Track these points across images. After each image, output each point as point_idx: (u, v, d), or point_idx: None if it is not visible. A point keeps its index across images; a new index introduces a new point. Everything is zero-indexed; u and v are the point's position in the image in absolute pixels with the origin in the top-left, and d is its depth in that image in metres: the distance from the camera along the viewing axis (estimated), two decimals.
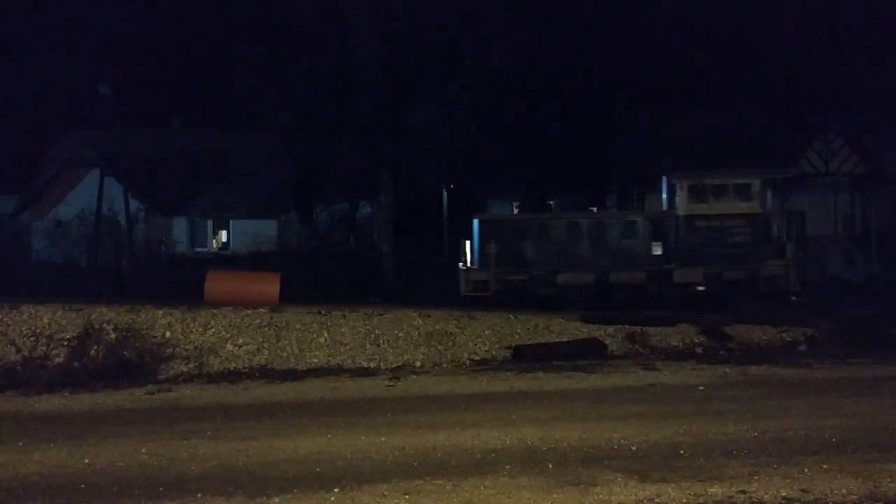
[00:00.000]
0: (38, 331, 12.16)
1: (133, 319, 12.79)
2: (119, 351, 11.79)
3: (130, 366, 11.57)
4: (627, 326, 14.20)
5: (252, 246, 30.19)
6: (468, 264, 18.66)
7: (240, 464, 7.02)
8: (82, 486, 6.44)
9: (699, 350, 13.64)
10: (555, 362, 12.56)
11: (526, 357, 12.96)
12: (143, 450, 7.53)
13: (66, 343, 11.88)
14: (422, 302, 15.86)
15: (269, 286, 16.02)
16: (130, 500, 6.07)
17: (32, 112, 34.72)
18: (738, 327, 14.37)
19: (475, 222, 18.98)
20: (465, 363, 12.86)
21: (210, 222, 34.45)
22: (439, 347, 13.20)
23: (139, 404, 10.05)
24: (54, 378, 10.97)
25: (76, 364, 11.42)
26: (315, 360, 12.60)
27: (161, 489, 6.29)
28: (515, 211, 36.92)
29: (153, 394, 10.61)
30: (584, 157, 36.37)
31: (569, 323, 14.33)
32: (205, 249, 33.64)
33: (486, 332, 13.74)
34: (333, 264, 24.78)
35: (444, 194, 32.64)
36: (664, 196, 19.49)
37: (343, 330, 13.37)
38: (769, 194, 18.57)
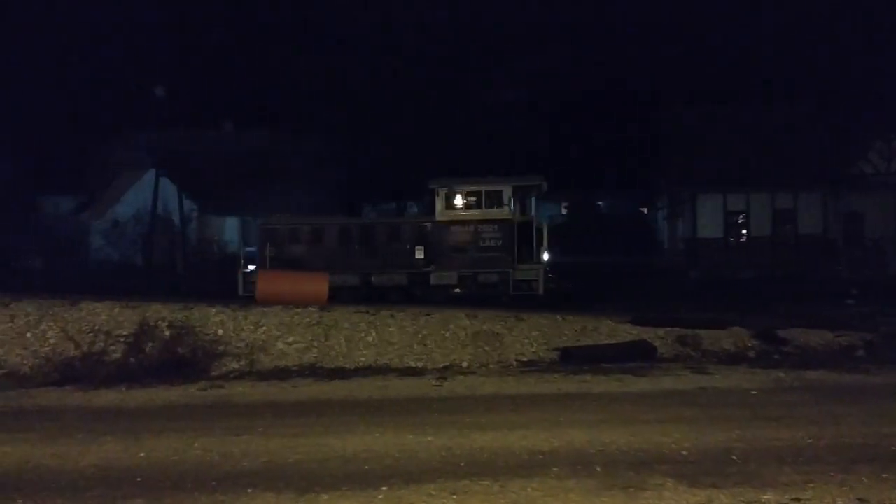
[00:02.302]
0: (96, 327, 12.50)
1: (186, 317, 13.07)
2: (173, 348, 12.05)
3: (184, 363, 11.81)
4: (678, 329, 13.97)
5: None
6: (247, 267, 19.35)
7: (289, 460, 7.12)
8: (138, 479, 6.60)
9: (752, 354, 13.34)
10: (603, 365, 12.43)
11: (574, 359, 12.86)
12: (197, 445, 7.69)
13: (122, 339, 12.18)
14: (469, 302, 15.87)
15: (319, 285, 16.24)
16: (184, 493, 6.20)
17: (92, 114, 35.68)
18: (793, 331, 14.02)
19: (257, 227, 19.91)
20: (511, 364, 12.82)
21: (258, 221, 34.88)
22: (486, 348, 13.18)
23: (192, 400, 10.26)
24: (111, 374, 11.26)
25: (132, 360, 11.70)
26: (363, 360, 12.70)
27: (214, 484, 6.42)
28: (564, 211, 36.70)
29: (206, 390, 10.82)
30: (634, 159, 35.97)
31: (618, 325, 14.17)
32: (255, 248, 34.06)
33: (534, 334, 13.67)
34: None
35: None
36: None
37: (391, 329, 13.45)
38: (532, 201, 19.46)
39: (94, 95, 35.51)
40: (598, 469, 6.74)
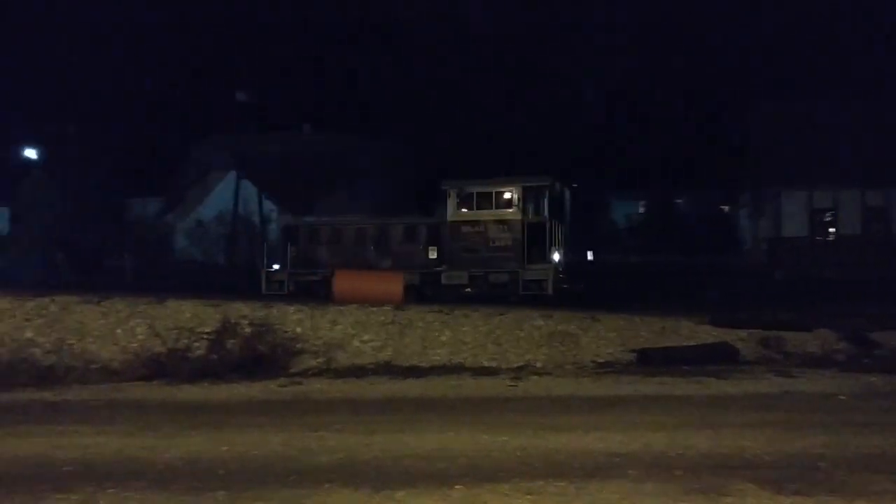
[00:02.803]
0: (180, 324, 12.94)
1: (266, 315, 13.40)
2: (253, 345, 12.38)
3: (264, 359, 12.12)
4: (761, 331, 13.55)
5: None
6: (272, 266, 19.89)
7: (365, 457, 7.20)
8: (221, 471, 6.79)
9: (840, 357, 12.82)
10: (682, 367, 12.16)
11: (652, 361, 12.61)
12: (276, 439, 7.87)
13: (205, 336, 12.57)
14: (544, 302, 15.77)
15: (394, 285, 16.42)
16: (264, 487, 6.34)
17: (177, 118, 37.02)
18: (886, 334, 13.41)
19: (280, 228, 20.22)
20: (587, 365, 12.66)
21: None
22: (561, 349, 13.07)
23: (272, 396, 10.51)
24: (195, 369, 11.65)
25: (214, 356, 12.07)
26: (437, 358, 12.76)
27: (293, 478, 6.55)
28: (641, 210, 36.06)
29: (285, 386, 11.07)
30: (715, 156, 35.03)
31: (698, 326, 13.84)
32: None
33: (610, 335, 13.48)
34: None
35: (567, 193, 32.25)
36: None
37: (465, 329, 13.48)
38: (545, 202, 19.10)
39: (181, 101, 36.83)
40: (678, 473, 6.58)
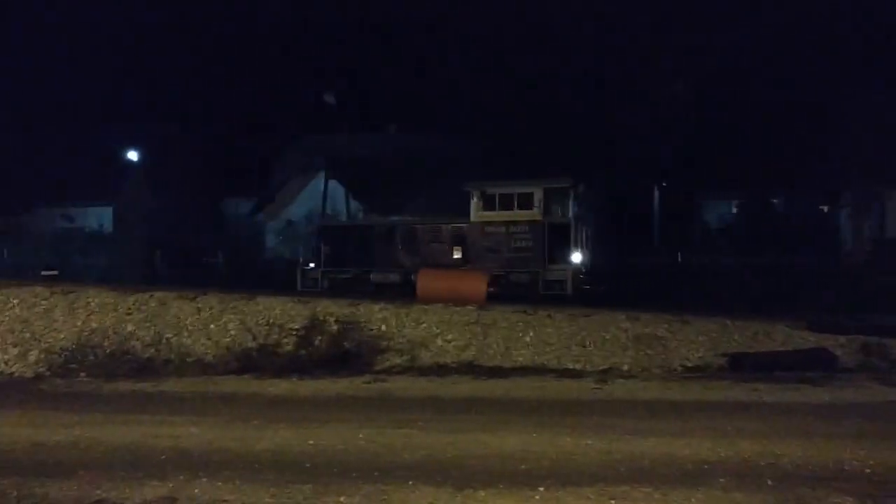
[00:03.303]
0: (270, 321, 13.30)
1: (352, 313, 13.62)
2: (340, 342, 12.62)
3: (349, 356, 12.34)
4: (862, 336, 12.90)
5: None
6: (308, 265, 20.56)
7: (448, 455, 7.23)
8: (307, 465, 6.95)
9: None
10: (776, 373, 11.69)
11: (744, 366, 12.18)
12: (361, 435, 7.99)
13: (294, 333, 12.90)
14: (630, 304, 15.46)
15: (478, 284, 16.42)
16: (349, 481, 6.45)
17: (268, 121, 38.10)
18: None
19: (315, 228, 21.56)
20: (675, 369, 12.34)
21: None
22: (648, 352, 12.78)
23: (357, 392, 10.68)
24: (284, 364, 11.97)
25: (303, 352, 12.37)
26: (521, 359, 12.68)
27: (376, 474, 6.63)
28: (734, 210, 34.93)
29: (370, 383, 11.23)
30: (813, 154, 33.54)
31: (794, 331, 13.28)
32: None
33: (700, 338, 13.10)
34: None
35: (656, 193, 31.58)
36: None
37: (548, 330, 13.35)
38: (567, 203, 19.13)
39: (272, 103, 37.91)
40: (769, 483, 6.34)
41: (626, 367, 12.32)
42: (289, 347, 12.63)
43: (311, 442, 7.74)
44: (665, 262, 24.58)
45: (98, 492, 6.17)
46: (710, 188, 33.48)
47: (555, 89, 22.04)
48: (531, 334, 13.27)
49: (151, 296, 14.06)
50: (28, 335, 12.85)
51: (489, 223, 19.17)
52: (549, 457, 7.14)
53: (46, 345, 12.64)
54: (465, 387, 11.07)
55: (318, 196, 31.29)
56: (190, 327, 13.23)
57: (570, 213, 19.14)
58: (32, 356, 12.42)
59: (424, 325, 13.49)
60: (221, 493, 6.14)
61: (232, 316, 13.46)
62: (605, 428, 8.26)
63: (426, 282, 16.95)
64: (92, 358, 12.28)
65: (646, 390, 10.75)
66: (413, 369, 12.24)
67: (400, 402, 9.98)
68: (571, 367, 12.39)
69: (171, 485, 6.33)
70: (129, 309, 13.58)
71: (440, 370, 12.17)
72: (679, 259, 27.21)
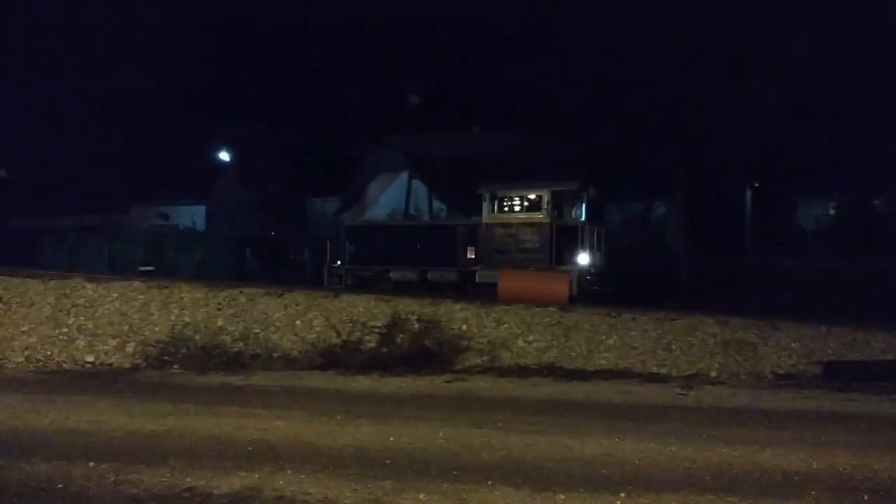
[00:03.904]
0: (354, 318, 13.52)
1: (434, 312, 13.71)
2: (421, 340, 12.73)
3: (430, 355, 12.43)
4: None
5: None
6: (335, 262, 21.41)
7: (527, 457, 7.18)
8: (387, 461, 7.02)
9: None
10: (875, 383, 11.14)
11: (839, 374, 11.67)
12: (440, 434, 8.02)
13: (376, 330, 13.08)
14: (719, 308, 15.02)
15: (560, 285, 16.27)
16: (428, 479, 6.49)
17: (354, 121, 38.76)
18: None
19: (342, 227, 22.73)
20: (766, 376, 11.93)
21: None
22: (737, 357, 12.40)
23: (437, 391, 10.74)
24: (366, 361, 12.16)
25: (384, 350, 12.54)
26: (603, 362, 12.51)
27: (455, 473, 6.65)
28: (832, 211, 33.48)
29: (450, 382, 11.28)
30: None
31: (894, 339, 12.63)
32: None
33: (793, 345, 12.62)
34: (623, 266, 24.43)
35: (748, 193, 30.53)
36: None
37: (633, 333, 13.12)
38: (574, 205, 19.69)
39: (357, 104, 38.56)
40: (866, 497, 6.04)
41: (713, 373, 11.99)
42: (371, 345, 12.81)
43: (391, 439, 7.83)
44: (757, 264, 23.80)
45: (188, 480, 6.39)
46: (805, 188, 32.14)
47: (641, 89, 21.61)
48: (615, 337, 13.07)
49: (241, 292, 14.49)
50: (126, 328, 13.44)
51: (499, 224, 19.69)
52: (632, 462, 7.01)
53: (142, 337, 13.20)
54: (545, 389, 10.99)
55: (402, 196, 31.62)
56: (277, 323, 13.58)
57: (575, 216, 19.65)
58: (130, 348, 12.99)
59: (505, 325, 13.46)
60: (305, 486, 6.27)
61: (317, 313, 13.73)
62: (690, 435, 8.05)
63: (508, 282, 16.91)
64: (184, 351, 12.76)
65: (734, 397, 10.43)
66: (493, 369, 12.24)
67: (480, 402, 9.98)
68: (656, 371, 12.14)
69: (256, 476, 6.50)
70: (220, 304, 14.03)
71: (520, 371, 12.12)
72: (771, 261, 26.27)
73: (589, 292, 18.59)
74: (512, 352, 12.86)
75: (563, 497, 6.04)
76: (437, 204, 33.02)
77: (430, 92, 33.83)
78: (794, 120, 21.71)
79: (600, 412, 9.36)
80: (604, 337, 13.10)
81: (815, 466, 6.90)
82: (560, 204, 19.63)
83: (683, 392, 10.73)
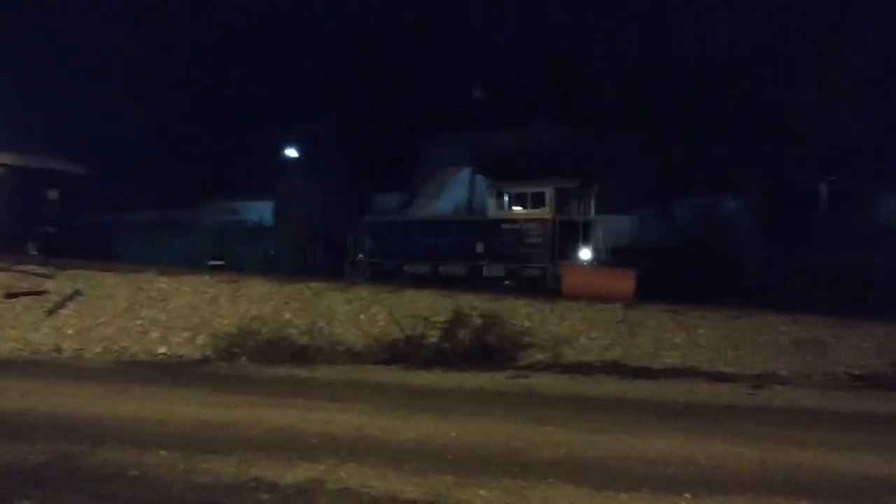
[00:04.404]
0: (416, 313, 13.60)
1: (496, 308, 13.69)
2: (483, 336, 12.72)
3: (492, 350, 12.41)
4: None
5: (608, 241, 30.40)
6: (357, 255, 22.67)
7: (589, 455, 7.12)
8: (449, 456, 7.05)
9: None
10: None
11: None
12: (502, 430, 8.01)
13: (439, 325, 13.13)
14: (790, 306, 14.59)
15: (624, 282, 16.06)
16: (489, 475, 6.48)
17: (418, 116, 38.93)
18: None
19: (362, 222, 23.49)
20: (840, 377, 11.53)
21: None
22: (808, 357, 12.02)
23: (499, 387, 10.73)
24: (428, 356, 12.22)
25: (446, 345, 12.58)
26: (669, 360, 12.29)
27: (516, 469, 6.63)
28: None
29: (512, 378, 11.25)
30: None
31: None
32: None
33: (867, 344, 12.17)
34: (692, 262, 23.95)
35: (823, 187, 29.53)
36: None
37: (700, 331, 12.85)
38: (576, 202, 20.22)
39: (421, 99, 38.72)
40: None
41: (783, 373, 11.65)
42: (433, 340, 12.87)
43: (453, 434, 7.85)
44: (831, 261, 23.00)
45: (253, 470, 6.54)
46: (884, 182, 30.89)
47: (715, 79, 21.06)
48: (682, 335, 12.83)
49: (307, 286, 14.75)
50: (197, 320, 13.83)
51: (505, 220, 20.32)
52: (697, 463, 6.87)
53: (212, 330, 13.55)
54: (609, 386, 10.86)
55: (465, 190, 31.62)
56: (341, 317, 13.76)
57: (577, 212, 20.21)
58: (200, 340, 13.36)
59: (568, 322, 13.35)
60: (367, 479, 6.34)
61: (380, 307, 13.87)
62: (759, 436, 7.85)
63: (573, 278, 16.78)
64: (252, 343, 13.04)
65: (805, 398, 10.13)
66: (556, 366, 12.15)
67: (542, 398, 9.93)
68: (724, 370, 11.86)
69: (320, 467, 6.61)
70: (286, 298, 14.31)
71: (584, 368, 12.00)
72: (846, 258, 25.34)
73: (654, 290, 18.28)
74: (575, 349, 12.74)
75: (625, 496, 5.97)
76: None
77: (494, 86, 33.75)
78: (874, 113, 20.85)
79: (665, 411, 9.20)
80: (670, 335, 12.87)
81: (889, 471, 6.66)
82: (564, 200, 20.10)
83: (752, 392, 10.46)
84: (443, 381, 11.07)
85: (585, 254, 19.74)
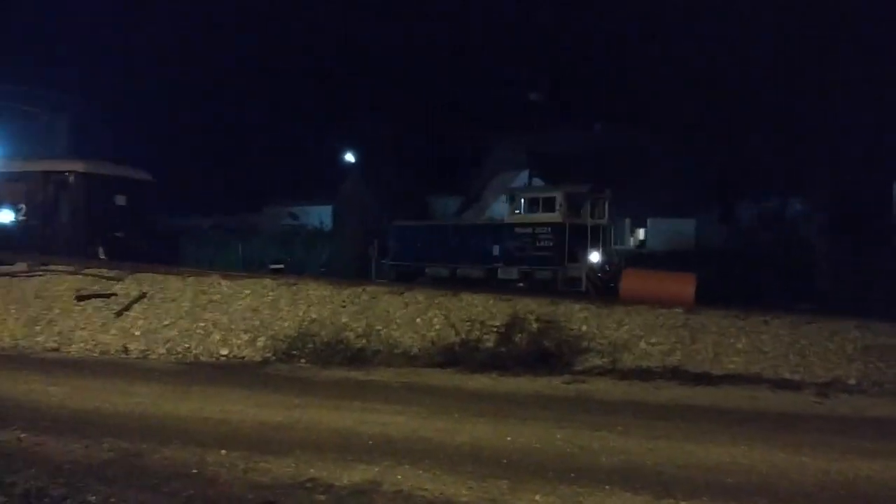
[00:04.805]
0: (472, 317, 13.57)
1: (553, 312, 13.57)
2: (539, 340, 12.61)
3: (549, 355, 12.29)
4: None
5: (668, 244, 29.99)
6: (383, 258, 23.80)
7: (647, 462, 7.00)
8: (504, 461, 7.03)
9: None
10: None
11: None
12: (558, 435, 7.94)
13: (495, 329, 13.07)
14: (859, 311, 14.07)
15: (685, 286, 15.75)
16: (544, 481, 6.44)
17: (475, 120, 38.98)
18: None
19: (388, 227, 24.73)
20: None
21: (628, 220, 34.99)
22: (880, 364, 11.57)
23: (556, 392, 10.63)
24: (484, 360, 12.17)
25: (503, 349, 12.51)
26: (732, 366, 11.98)
27: (572, 475, 6.57)
28: None
29: (569, 383, 11.13)
30: None
31: None
32: (622, 247, 34.36)
33: None
34: (756, 266, 23.38)
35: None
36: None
37: (763, 337, 12.50)
38: (586, 207, 20.67)
39: (479, 103, 38.77)
40: None
41: (852, 381, 11.25)
42: (489, 344, 12.82)
43: (508, 438, 7.82)
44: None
45: (311, 471, 6.63)
46: None
47: (778, 81, 20.55)
48: (744, 340, 12.50)
49: (364, 289, 14.88)
50: (257, 323, 14.08)
51: (519, 224, 21.05)
52: (759, 472, 6.69)
53: (272, 332, 13.77)
54: (668, 393, 10.66)
55: None
56: (398, 320, 13.83)
57: (586, 216, 20.69)
58: (260, 342, 13.60)
59: (627, 326, 13.14)
60: (422, 482, 6.37)
61: (437, 311, 13.89)
62: (824, 445, 7.60)
63: (631, 282, 16.54)
64: (311, 346, 13.21)
65: (874, 407, 9.76)
66: (614, 371, 11.97)
67: (599, 404, 9.81)
68: (789, 377, 11.51)
69: (376, 469, 6.66)
70: (344, 302, 14.45)
71: (642, 374, 11.79)
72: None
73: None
74: (634, 354, 12.53)
75: None
76: None
77: (552, 88, 33.57)
78: None
79: (727, 418, 8.99)
80: (732, 340, 12.55)
81: None
82: (575, 205, 20.72)
83: (818, 400, 10.13)
84: (498, 386, 11.03)
85: (594, 256, 20.37)
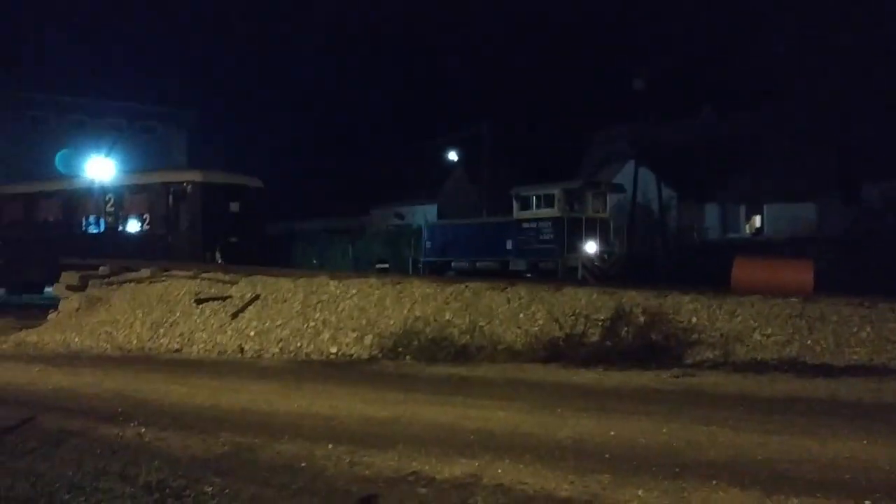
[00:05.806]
0: (576, 311, 13.38)
1: (660, 304, 13.19)
2: (646, 333, 12.31)
3: (657, 348, 11.98)
4: None
5: (787, 231, 28.62)
6: (418, 255, 26.90)
7: (758, 457, 6.72)
8: (607, 455, 6.92)
9: None
10: None
11: None
12: (664, 430, 7.74)
13: (599, 323, 12.85)
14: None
15: (801, 274, 15.00)
16: (648, 476, 6.30)
17: (577, 111, 38.49)
18: None
19: (426, 225, 28.23)
20: None
21: (742, 207, 33.68)
22: None
23: (663, 386, 10.35)
24: (589, 354, 12.00)
25: (608, 343, 12.29)
26: (854, 357, 11.32)
27: (677, 470, 6.39)
28: None
29: (677, 377, 10.81)
30: None
31: None
32: (737, 235, 33.14)
33: None
34: (885, 251, 21.96)
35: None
36: None
37: (891, 325, 11.74)
38: (584, 201, 23.02)
39: (580, 94, 38.27)
40: None
41: None
42: (594, 338, 12.62)
43: (612, 433, 7.69)
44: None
45: (413, 464, 6.74)
46: None
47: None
48: (868, 329, 11.77)
49: (466, 286, 14.95)
50: (364, 321, 14.41)
51: (525, 219, 23.23)
52: (880, 468, 6.30)
53: (379, 330, 14.06)
54: (784, 385, 10.18)
55: (629, 184, 30.85)
56: (501, 316, 13.82)
57: (583, 210, 22.76)
58: (367, 340, 13.91)
59: (739, 317, 12.62)
60: (522, 476, 6.36)
61: (539, 306, 13.79)
62: None
63: (743, 271, 15.88)
64: (415, 343, 13.41)
65: None
66: (726, 364, 11.53)
67: (709, 398, 9.49)
68: None
69: (477, 463, 6.70)
70: (447, 299, 14.57)
71: (756, 366, 11.30)
72: None
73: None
74: (747, 346, 12.03)
75: (796, 501, 5.59)
76: (666, 192, 31.82)
77: (659, 76, 32.68)
78: None
79: (848, 412, 8.50)
80: (855, 329, 11.85)
81: None
82: (573, 199, 22.81)
83: None
84: (603, 380, 10.85)
85: (591, 247, 22.29)
